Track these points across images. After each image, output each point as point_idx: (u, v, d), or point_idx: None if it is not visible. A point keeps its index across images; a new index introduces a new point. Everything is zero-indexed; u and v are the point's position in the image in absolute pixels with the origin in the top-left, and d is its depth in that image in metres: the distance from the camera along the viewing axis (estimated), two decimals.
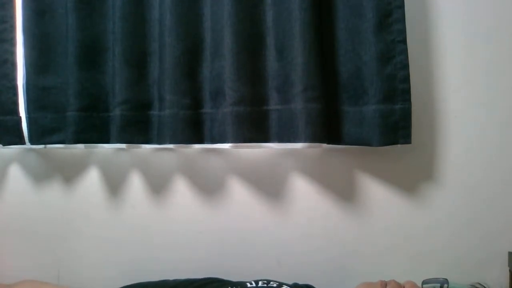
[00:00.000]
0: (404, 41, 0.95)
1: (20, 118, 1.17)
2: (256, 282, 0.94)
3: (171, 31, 1.04)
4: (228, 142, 1.02)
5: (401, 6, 0.95)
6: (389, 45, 0.96)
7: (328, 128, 0.99)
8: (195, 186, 1.14)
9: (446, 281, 0.90)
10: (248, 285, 0.93)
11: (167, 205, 1.16)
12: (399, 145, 0.97)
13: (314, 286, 0.99)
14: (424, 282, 0.91)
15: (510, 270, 0.98)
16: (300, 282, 1.00)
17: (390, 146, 0.97)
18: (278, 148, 1.09)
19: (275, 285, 0.93)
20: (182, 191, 1.15)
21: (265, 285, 0.92)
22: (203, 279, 1.00)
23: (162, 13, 1.06)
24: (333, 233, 1.07)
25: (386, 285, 0.89)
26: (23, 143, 1.17)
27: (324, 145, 1.05)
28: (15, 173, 1.24)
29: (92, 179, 1.20)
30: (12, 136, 1.17)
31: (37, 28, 1.14)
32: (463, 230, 1.02)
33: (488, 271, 1.00)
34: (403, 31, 0.95)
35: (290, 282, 0.98)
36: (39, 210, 1.22)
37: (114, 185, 1.19)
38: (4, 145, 1.18)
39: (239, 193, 1.12)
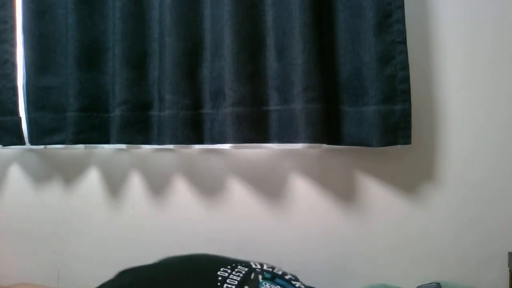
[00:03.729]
0: (404, 42, 0.95)
1: (20, 118, 1.17)
2: (261, 264, 0.93)
3: (171, 31, 1.04)
4: (228, 143, 1.02)
5: (401, 7, 0.95)
6: (389, 45, 0.96)
7: (328, 129, 0.99)
8: (195, 186, 1.14)
9: (438, 285, 0.89)
10: (253, 265, 0.90)
11: (167, 205, 1.16)
12: (399, 146, 0.97)
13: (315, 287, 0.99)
14: None
15: (510, 270, 0.98)
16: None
17: (390, 146, 0.97)
18: (278, 148, 1.09)
19: (280, 272, 0.91)
20: (182, 191, 1.15)
21: (270, 269, 0.91)
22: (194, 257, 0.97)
23: (162, 13, 1.05)
24: (333, 233, 1.07)
25: None
26: (23, 143, 1.17)
27: (324, 146, 1.05)
28: (15, 173, 1.24)
29: (92, 179, 1.20)
30: (12, 136, 1.17)
31: (37, 29, 1.14)
32: (463, 230, 1.02)
33: (488, 271, 1.00)
34: (403, 32, 0.95)
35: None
36: (39, 211, 1.22)
37: (114, 185, 1.19)
38: (4, 145, 1.18)
39: (239, 193, 1.12)
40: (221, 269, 0.85)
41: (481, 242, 1.01)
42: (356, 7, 0.98)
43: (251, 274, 0.85)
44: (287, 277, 0.90)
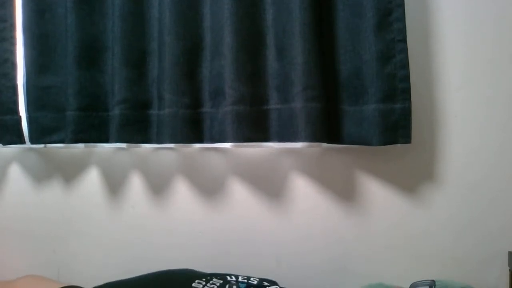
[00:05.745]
0: (404, 40, 0.95)
1: (20, 117, 1.17)
2: (236, 276, 0.95)
3: (171, 30, 1.04)
4: (228, 142, 1.02)
5: (401, 5, 0.95)
6: (389, 44, 0.96)
7: (328, 128, 0.99)
8: (195, 185, 1.14)
9: (433, 282, 0.88)
10: (228, 278, 0.93)
11: (167, 205, 1.16)
12: (399, 145, 0.97)
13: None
14: (411, 286, 0.90)
15: (510, 270, 0.98)
16: (300, 282, 1.00)
17: (390, 145, 0.96)
18: (278, 147, 1.09)
19: (255, 282, 0.93)
20: (182, 191, 1.15)
21: (245, 280, 0.92)
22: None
23: (161, 12, 1.05)
24: (333, 233, 1.07)
25: None
26: (23, 142, 1.17)
27: (324, 145, 1.05)
28: (15, 172, 1.24)
29: (92, 179, 1.20)
30: (12, 135, 1.17)
31: (37, 28, 1.14)
32: (463, 230, 1.02)
33: (488, 271, 1.00)
34: (403, 30, 0.95)
35: (286, 281, 0.98)
36: (39, 210, 1.22)
37: (114, 184, 1.19)
38: (4, 144, 1.18)
39: (239, 192, 1.12)
40: (196, 281, 0.89)
41: (481, 241, 1.01)
42: (356, 6, 0.98)
43: (225, 286, 0.88)
44: (264, 283, 0.92)
